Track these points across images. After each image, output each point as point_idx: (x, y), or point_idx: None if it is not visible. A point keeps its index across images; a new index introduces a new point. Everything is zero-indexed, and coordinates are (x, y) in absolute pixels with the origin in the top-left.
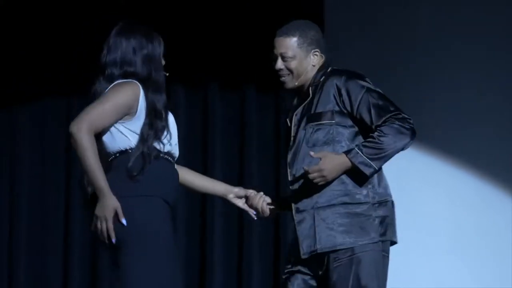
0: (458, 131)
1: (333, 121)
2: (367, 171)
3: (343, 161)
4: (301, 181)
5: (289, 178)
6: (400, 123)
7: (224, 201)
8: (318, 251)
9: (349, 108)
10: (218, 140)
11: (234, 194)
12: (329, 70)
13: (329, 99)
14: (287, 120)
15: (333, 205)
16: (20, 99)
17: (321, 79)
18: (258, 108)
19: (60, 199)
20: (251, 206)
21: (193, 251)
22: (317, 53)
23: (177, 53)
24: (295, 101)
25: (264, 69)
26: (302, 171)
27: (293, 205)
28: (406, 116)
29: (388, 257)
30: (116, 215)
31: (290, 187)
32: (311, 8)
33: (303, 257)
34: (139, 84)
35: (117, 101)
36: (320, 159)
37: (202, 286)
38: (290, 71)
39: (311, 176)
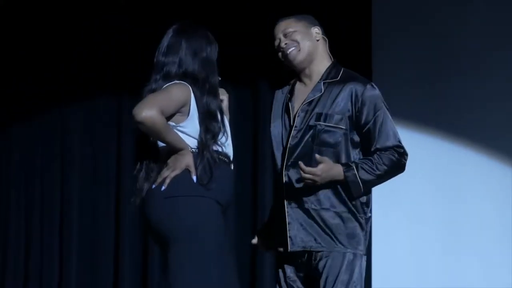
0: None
1: (344, 128)
2: (355, 192)
3: (337, 173)
4: (297, 176)
5: (282, 163)
6: (399, 157)
7: None
8: (313, 249)
9: (360, 119)
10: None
11: None
12: (342, 70)
13: (346, 104)
14: (289, 104)
15: (332, 208)
16: (71, 98)
17: (337, 78)
18: None
19: (110, 199)
20: None
21: (243, 250)
22: (317, 29)
23: None
24: (296, 87)
25: None
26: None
27: (285, 200)
28: (405, 151)
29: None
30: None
31: (281, 174)
32: (358, 7)
33: (291, 250)
34: (189, 86)
35: (175, 95)
36: (318, 164)
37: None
38: (296, 41)
39: (303, 175)
